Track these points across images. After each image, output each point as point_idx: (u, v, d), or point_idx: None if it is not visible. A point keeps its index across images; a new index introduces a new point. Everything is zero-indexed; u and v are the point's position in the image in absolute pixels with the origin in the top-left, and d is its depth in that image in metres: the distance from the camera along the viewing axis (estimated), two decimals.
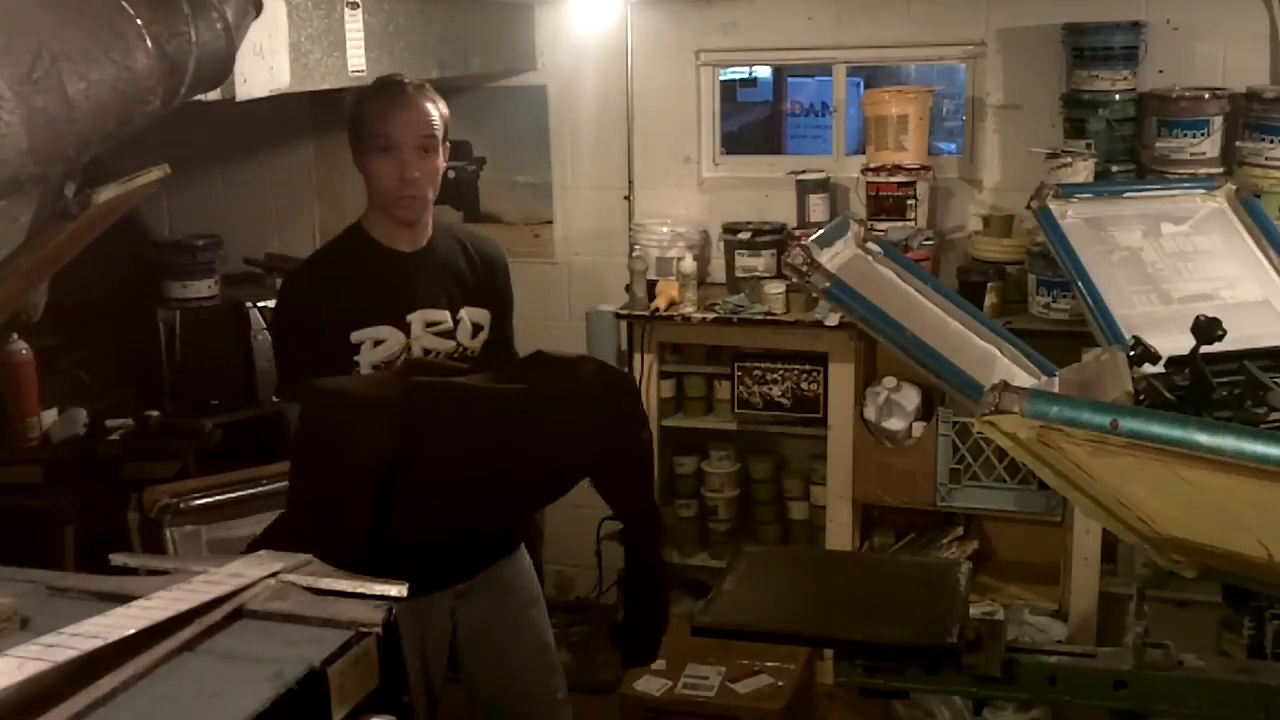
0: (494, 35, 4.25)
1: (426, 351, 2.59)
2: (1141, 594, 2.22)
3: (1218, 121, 3.74)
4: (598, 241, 4.50)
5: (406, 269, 2.63)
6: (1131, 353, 2.30)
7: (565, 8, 4.39)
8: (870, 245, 2.75)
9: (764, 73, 7.40)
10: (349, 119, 2.63)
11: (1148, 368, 2.61)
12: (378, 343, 2.54)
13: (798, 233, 4.12)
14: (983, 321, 2.78)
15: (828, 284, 2.40)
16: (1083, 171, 3.66)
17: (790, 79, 7.28)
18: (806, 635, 2.37)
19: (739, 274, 4.18)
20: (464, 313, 2.66)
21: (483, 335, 2.69)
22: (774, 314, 3.96)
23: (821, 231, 2.57)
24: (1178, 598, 3.40)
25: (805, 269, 2.39)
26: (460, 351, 2.63)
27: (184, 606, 1.63)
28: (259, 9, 2.43)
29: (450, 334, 2.63)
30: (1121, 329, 2.80)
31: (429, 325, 2.61)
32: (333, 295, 2.56)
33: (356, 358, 2.53)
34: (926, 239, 4.01)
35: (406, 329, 2.58)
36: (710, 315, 4.00)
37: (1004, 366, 2.70)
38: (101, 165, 2.18)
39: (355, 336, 2.53)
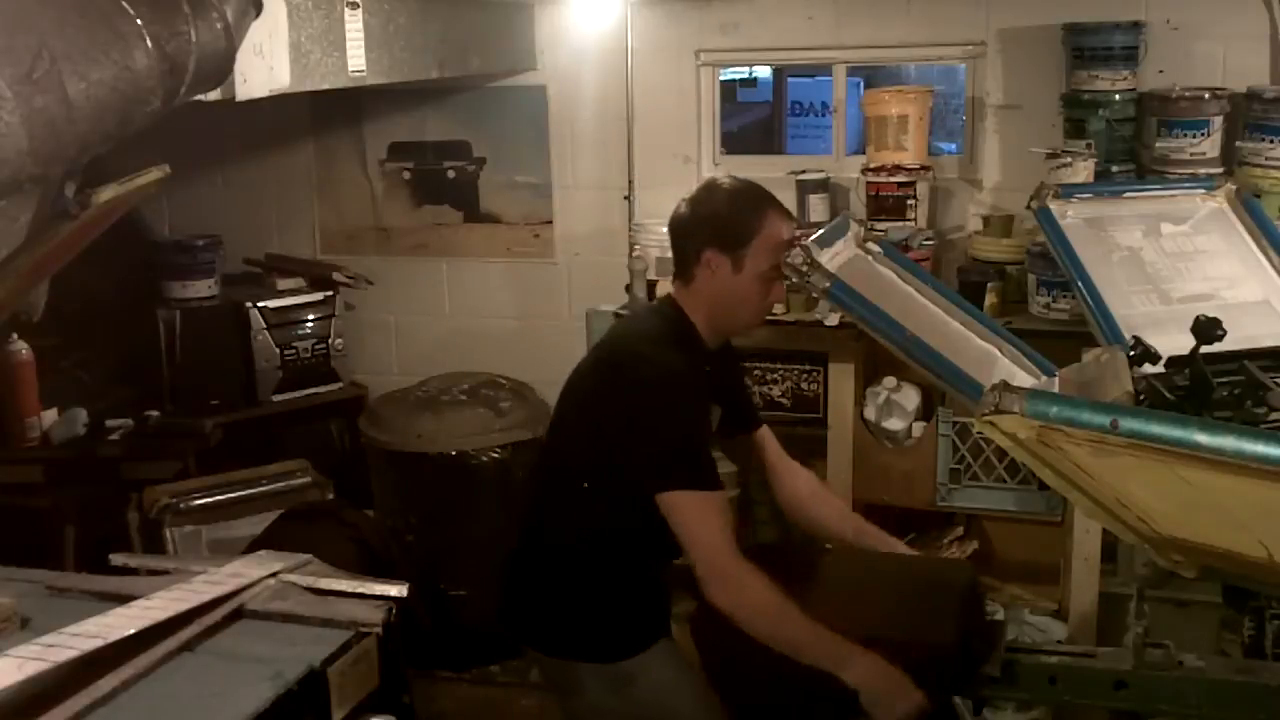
0: (494, 35, 4.25)
1: None
2: (1141, 594, 2.22)
3: (1218, 121, 3.73)
4: (598, 241, 4.50)
5: (709, 368, 2.55)
6: (1131, 353, 2.30)
7: (565, 8, 4.39)
8: (870, 245, 2.75)
9: (764, 73, 7.40)
10: (731, 229, 2.45)
11: (1148, 368, 2.61)
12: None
13: (798, 233, 4.11)
14: (983, 321, 2.78)
15: (828, 284, 2.40)
16: (1083, 171, 3.65)
17: (790, 79, 7.29)
18: None
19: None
20: (715, 410, 2.61)
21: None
22: (774, 314, 3.95)
23: (821, 231, 2.57)
24: (1178, 598, 3.40)
25: (805, 269, 2.39)
26: None
27: (184, 606, 1.63)
28: (259, 9, 2.43)
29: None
30: (1121, 329, 2.81)
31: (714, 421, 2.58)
32: (696, 383, 2.44)
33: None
34: (926, 239, 4.01)
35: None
36: None
37: (1004, 366, 2.70)
38: (101, 165, 2.18)
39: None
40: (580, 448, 2.49)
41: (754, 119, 7.49)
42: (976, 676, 2.23)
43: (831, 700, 2.22)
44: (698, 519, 2.30)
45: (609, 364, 2.48)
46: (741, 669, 2.31)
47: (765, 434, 2.85)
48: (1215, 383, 2.36)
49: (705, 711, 2.40)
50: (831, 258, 2.50)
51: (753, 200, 2.50)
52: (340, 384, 4.54)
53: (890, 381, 3.90)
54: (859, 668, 2.20)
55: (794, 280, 2.48)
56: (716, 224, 2.46)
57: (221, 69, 2.26)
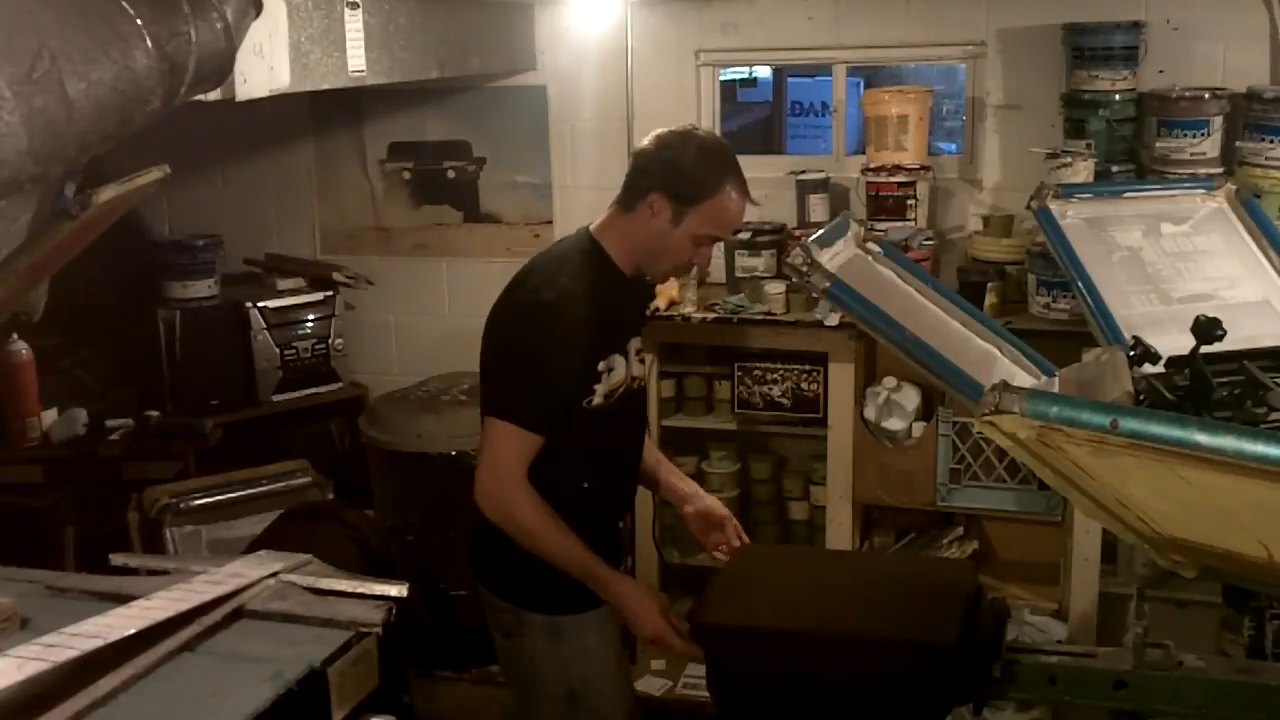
0: (494, 35, 4.25)
1: (634, 378, 2.60)
2: (1141, 594, 2.22)
3: (1218, 121, 3.74)
4: None
5: (627, 295, 2.60)
6: (1131, 353, 2.30)
7: (565, 8, 4.39)
8: (870, 245, 2.75)
9: (764, 73, 7.40)
10: (687, 184, 2.46)
11: (1148, 368, 2.61)
12: (610, 370, 2.53)
13: (798, 233, 4.12)
14: (983, 321, 2.78)
15: (828, 284, 2.40)
16: (1083, 171, 3.65)
17: (790, 79, 7.29)
18: (805, 634, 2.37)
19: (739, 274, 4.18)
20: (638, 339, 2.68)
21: (641, 355, 2.68)
22: (774, 314, 3.95)
23: (821, 231, 2.57)
24: (1178, 598, 3.40)
25: (805, 269, 2.39)
26: (642, 380, 2.67)
27: (184, 606, 1.64)
28: (259, 9, 2.43)
29: (642, 359, 2.66)
30: (1121, 329, 2.80)
31: (636, 352, 2.62)
32: (590, 319, 2.45)
33: (596, 386, 2.50)
34: (926, 239, 4.01)
35: (626, 356, 2.58)
36: (710, 315, 4.00)
37: (1004, 366, 2.70)
38: (101, 165, 2.18)
39: (601, 365, 2.50)
40: (482, 382, 2.59)
41: (754, 119, 7.49)
42: (978, 678, 2.23)
43: (835, 703, 2.22)
44: (499, 443, 2.42)
45: (502, 298, 2.56)
46: (745, 670, 2.32)
47: None
48: (1215, 383, 2.36)
49: (613, 684, 2.60)
50: (831, 258, 2.50)
51: (717, 165, 2.51)
52: (340, 384, 4.54)
53: (890, 381, 3.90)
54: (607, 592, 2.47)
55: (795, 280, 2.48)
56: (675, 173, 2.46)
57: (221, 69, 2.26)
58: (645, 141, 2.54)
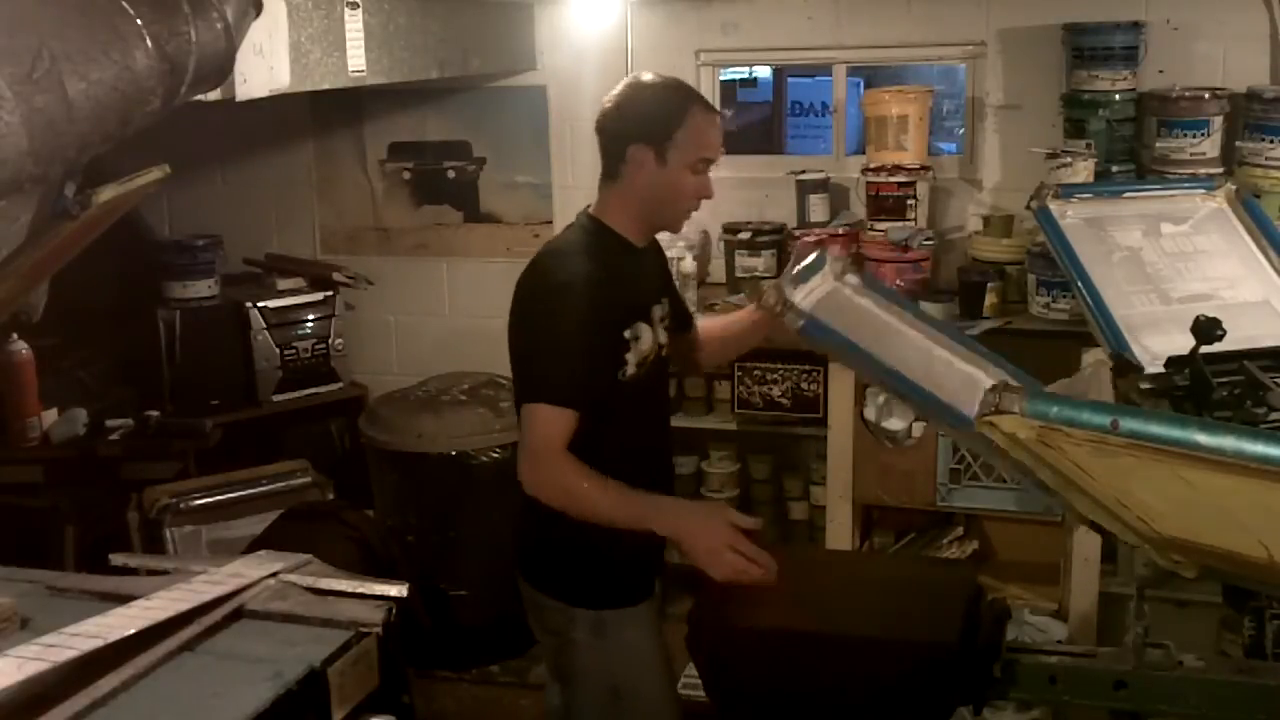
0: (494, 35, 4.25)
1: (660, 346, 2.59)
2: (1141, 594, 2.22)
3: (1218, 121, 3.74)
4: None
5: (642, 264, 2.59)
6: (1113, 367, 2.30)
7: (565, 8, 4.39)
8: (848, 278, 2.73)
9: (764, 73, 7.40)
10: (656, 121, 2.47)
11: (1148, 367, 2.61)
12: (637, 338, 2.51)
13: (797, 232, 4.13)
14: (966, 344, 2.74)
15: (802, 322, 2.35)
16: (1083, 171, 3.65)
17: (790, 79, 7.28)
18: (805, 635, 2.37)
19: (739, 274, 4.18)
20: (664, 303, 2.65)
21: (667, 323, 2.67)
22: (774, 314, 3.95)
23: (797, 269, 2.53)
24: (1178, 598, 3.40)
25: (779, 309, 2.35)
26: (667, 347, 2.65)
27: (184, 606, 1.64)
28: (259, 9, 2.43)
29: (667, 326, 2.64)
30: (1121, 329, 2.80)
31: (660, 319, 2.60)
32: (605, 292, 2.44)
33: (627, 355, 2.49)
34: (926, 239, 4.01)
35: (652, 324, 2.56)
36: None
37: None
38: (101, 165, 2.18)
39: (626, 333, 2.49)
40: (512, 375, 2.56)
41: (754, 119, 7.48)
42: (978, 678, 2.23)
43: (835, 704, 2.22)
44: (537, 427, 2.39)
45: (521, 288, 2.52)
46: (745, 671, 2.31)
47: (696, 331, 2.90)
48: (1215, 383, 2.36)
49: (657, 681, 2.55)
50: (807, 294, 2.48)
51: (676, 94, 2.52)
52: (340, 384, 4.54)
53: None
54: (659, 521, 2.39)
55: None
56: (641, 119, 2.48)
57: (221, 69, 2.26)
58: (603, 107, 2.56)
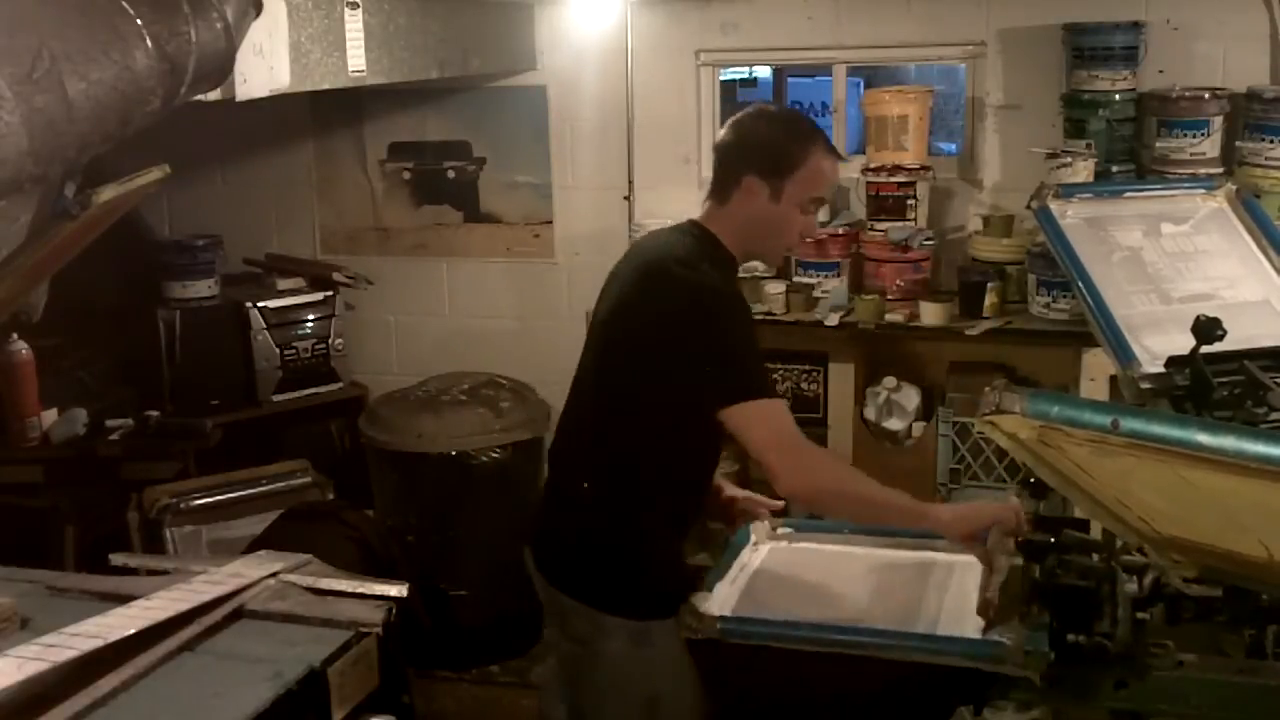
0: (494, 35, 4.25)
1: None
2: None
3: (1218, 121, 3.74)
4: (598, 241, 4.50)
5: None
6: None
7: (565, 8, 4.39)
8: (779, 530, 2.72)
9: (764, 73, 7.39)
10: (777, 158, 2.44)
11: (1148, 367, 2.61)
12: None
13: None
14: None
15: (719, 625, 2.32)
16: (1083, 171, 3.65)
17: (790, 79, 7.28)
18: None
19: (739, 274, 4.17)
20: None
21: None
22: (774, 314, 3.96)
23: (705, 579, 2.49)
24: None
25: (694, 623, 2.31)
26: None
27: (184, 606, 1.64)
28: (259, 9, 2.43)
29: None
30: (1122, 329, 2.81)
31: None
32: (740, 299, 2.53)
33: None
34: (926, 239, 4.01)
35: None
36: None
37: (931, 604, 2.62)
38: (101, 165, 2.18)
39: None
40: (623, 378, 2.47)
41: None
42: (979, 678, 2.23)
43: (836, 705, 2.22)
44: (766, 422, 2.35)
45: (647, 287, 2.46)
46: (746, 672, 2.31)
47: None
48: (1215, 383, 2.36)
49: (694, 695, 2.45)
50: (732, 581, 2.49)
51: (799, 131, 2.51)
52: (340, 384, 4.54)
53: (890, 381, 3.90)
54: (932, 522, 2.38)
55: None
56: (762, 152, 2.46)
57: (221, 69, 2.26)
58: (722, 132, 2.54)
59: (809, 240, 2.58)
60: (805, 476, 2.34)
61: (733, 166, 2.47)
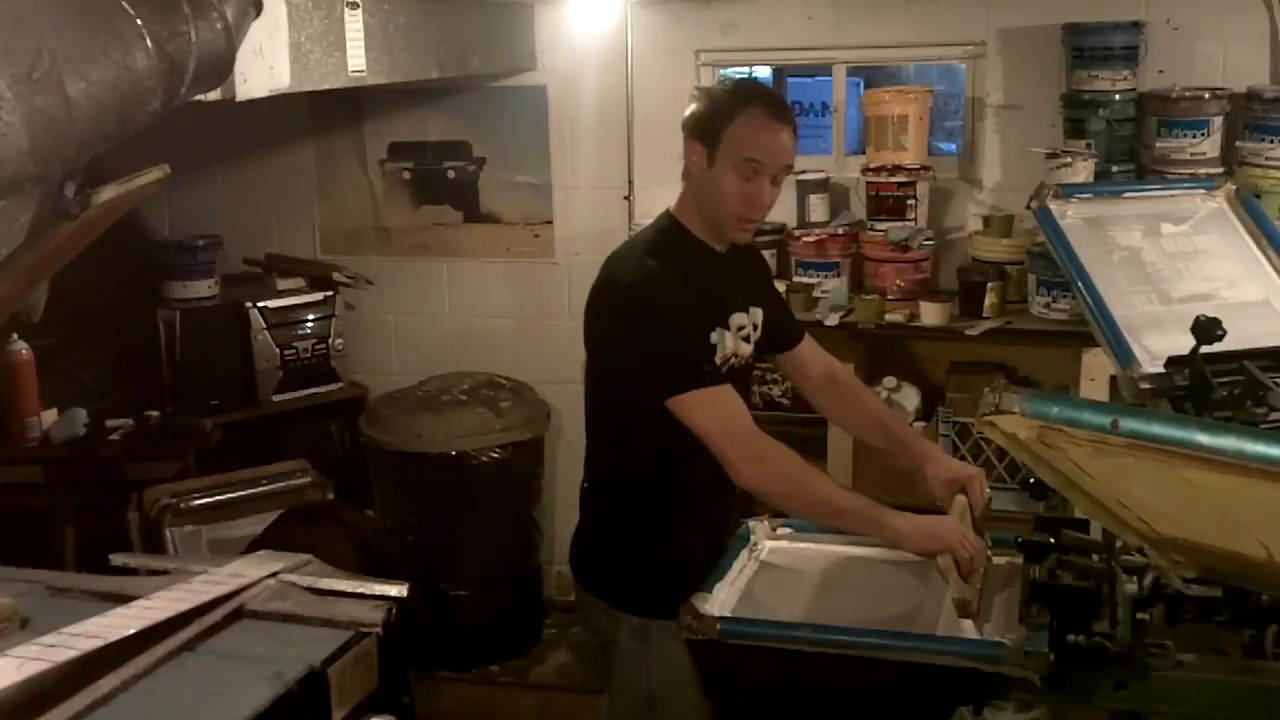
0: (494, 35, 4.25)
1: (734, 355, 2.50)
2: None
3: (1218, 121, 3.74)
4: (598, 241, 4.47)
5: (721, 270, 2.51)
6: None
7: (565, 8, 4.39)
8: (779, 530, 2.72)
9: (764, 73, 7.39)
10: (709, 118, 2.40)
11: (1148, 367, 2.61)
12: (716, 344, 2.45)
13: (798, 232, 4.13)
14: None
15: (718, 625, 2.31)
16: (1083, 171, 3.65)
17: (790, 79, 7.28)
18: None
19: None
20: (753, 313, 2.57)
21: (755, 336, 2.58)
22: None
23: (705, 582, 2.48)
24: None
25: (694, 625, 2.31)
26: (746, 359, 2.55)
27: (184, 606, 1.64)
28: (259, 9, 2.43)
29: (748, 338, 2.54)
30: (1122, 329, 2.81)
31: (739, 329, 2.52)
32: (683, 291, 2.37)
33: (715, 358, 2.42)
34: (926, 239, 4.01)
35: (729, 330, 2.49)
36: None
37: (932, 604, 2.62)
38: (101, 165, 2.18)
39: (713, 336, 2.43)
40: (596, 381, 2.50)
41: None
42: (979, 678, 2.23)
43: (836, 704, 2.22)
44: (711, 410, 2.30)
45: (597, 290, 2.46)
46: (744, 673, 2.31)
47: (807, 350, 2.77)
48: (1215, 383, 2.36)
49: (694, 696, 2.44)
50: (732, 581, 2.48)
51: (735, 92, 2.48)
52: (340, 384, 4.54)
53: (890, 381, 3.90)
54: (890, 530, 2.35)
55: None
56: (698, 114, 2.44)
57: (221, 69, 2.26)
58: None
59: (762, 208, 2.45)
60: (761, 466, 2.31)
61: (684, 137, 2.47)
